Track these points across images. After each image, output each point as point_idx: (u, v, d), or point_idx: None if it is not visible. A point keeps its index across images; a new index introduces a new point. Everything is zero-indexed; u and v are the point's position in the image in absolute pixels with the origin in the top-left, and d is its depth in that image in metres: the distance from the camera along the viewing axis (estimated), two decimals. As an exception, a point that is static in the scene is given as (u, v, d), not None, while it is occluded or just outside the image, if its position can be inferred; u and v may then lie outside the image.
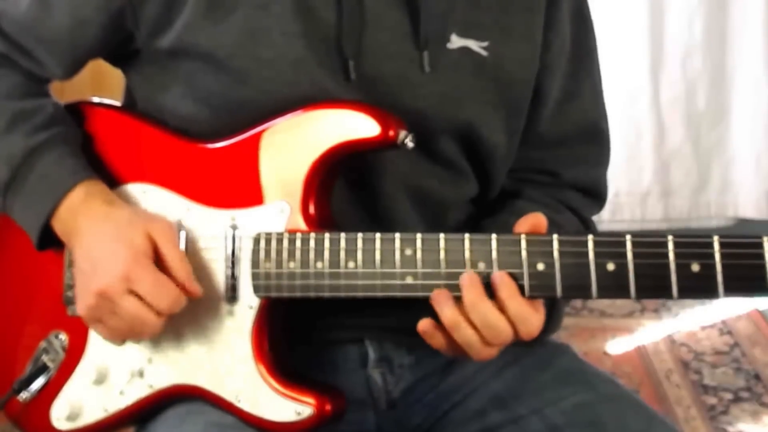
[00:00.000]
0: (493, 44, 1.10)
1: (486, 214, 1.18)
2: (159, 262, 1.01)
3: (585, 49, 1.19)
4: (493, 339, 0.95)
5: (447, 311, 0.95)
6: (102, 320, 1.02)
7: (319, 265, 1.00)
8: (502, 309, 0.95)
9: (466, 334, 0.95)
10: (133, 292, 0.99)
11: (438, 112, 1.08)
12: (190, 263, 1.03)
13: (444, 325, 0.96)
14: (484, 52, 1.09)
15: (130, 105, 1.17)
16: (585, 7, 1.19)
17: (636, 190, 3.38)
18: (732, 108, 3.34)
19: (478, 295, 0.95)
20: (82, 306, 1.03)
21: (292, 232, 1.02)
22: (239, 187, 1.05)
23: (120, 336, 1.04)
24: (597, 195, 1.23)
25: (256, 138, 1.05)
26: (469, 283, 0.95)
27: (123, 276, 0.99)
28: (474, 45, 1.09)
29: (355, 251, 0.99)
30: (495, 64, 1.10)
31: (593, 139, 1.21)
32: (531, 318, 0.95)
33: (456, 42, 1.08)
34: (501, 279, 0.95)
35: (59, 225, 1.07)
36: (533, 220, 0.97)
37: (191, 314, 1.05)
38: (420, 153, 1.08)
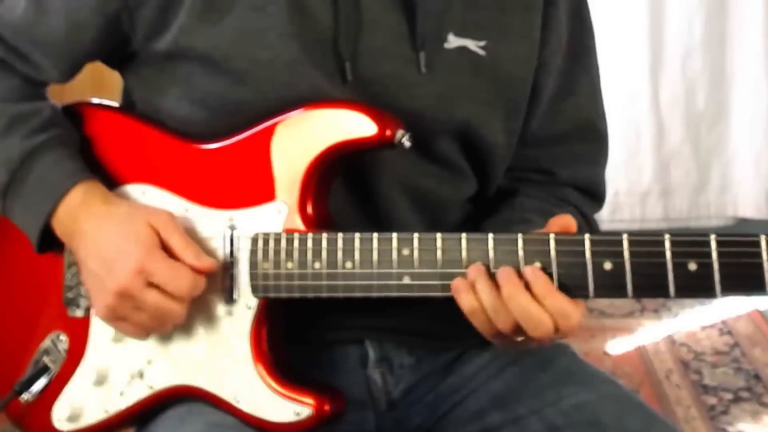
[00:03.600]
0: (491, 44, 1.09)
1: (485, 213, 1.18)
2: (166, 250, 1.01)
3: (582, 47, 1.19)
4: (533, 330, 0.93)
5: (465, 300, 0.94)
6: (125, 318, 1.02)
7: (317, 265, 1.00)
8: (539, 304, 0.93)
9: (505, 321, 0.93)
10: (152, 284, 1.00)
11: (435, 113, 1.08)
12: None
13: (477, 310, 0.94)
14: (481, 52, 1.09)
15: (128, 106, 1.17)
16: (583, 6, 1.19)
17: (636, 189, 3.38)
18: (732, 108, 3.35)
19: (515, 287, 0.93)
20: (101, 307, 1.03)
21: (289, 233, 1.02)
22: (234, 188, 1.05)
23: (146, 330, 1.03)
24: (595, 194, 1.23)
25: (268, 135, 1.04)
26: (507, 276, 0.93)
27: (138, 270, 0.99)
28: (471, 45, 1.09)
29: (353, 251, 0.99)
30: (493, 63, 1.10)
31: (589, 137, 1.21)
32: (570, 311, 0.93)
33: (453, 42, 1.08)
34: (533, 274, 0.93)
35: (59, 226, 1.07)
36: (562, 221, 0.96)
37: (190, 315, 1.05)
38: (418, 153, 1.08)
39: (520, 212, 1.12)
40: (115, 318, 1.03)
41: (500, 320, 0.94)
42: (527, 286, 0.93)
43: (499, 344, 0.99)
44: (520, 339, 0.96)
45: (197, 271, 1.01)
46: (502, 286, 0.93)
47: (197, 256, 1.01)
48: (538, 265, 0.94)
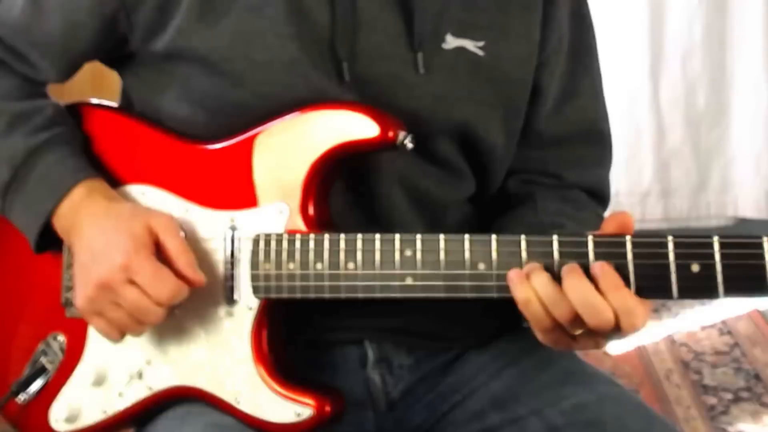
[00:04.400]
0: (490, 44, 1.09)
1: (491, 215, 1.18)
2: (160, 253, 1.01)
3: (583, 47, 1.19)
4: (592, 318, 0.90)
5: (519, 290, 0.92)
6: (101, 312, 1.02)
7: (319, 266, 0.99)
8: (603, 296, 0.91)
9: (563, 311, 0.91)
10: (133, 282, 0.99)
11: (433, 113, 1.08)
12: None
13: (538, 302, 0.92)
14: (480, 52, 1.09)
15: (126, 107, 1.17)
16: (584, 6, 1.19)
17: (636, 189, 3.38)
18: (732, 108, 3.35)
19: (578, 277, 0.91)
20: (81, 298, 1.02)
21: (291, 233, 1.01)
22: (235, 190, 1.05)
23: (119, 328, 1.02)
24: (600, 196, 1.23)
25: (250, 141, 1.05)
26: (570, 268, 0.92)
27: (123, 266, 0.99)
28: (470, 45, 1.09)
29: (355, 252, 0.98)
30: (491, 63, 1.09)
31: (593, 139, 1.21)
32: (635, 309, 0.91)
33: (451, 42, 1.08)
34: (602, 269, 0.91)
35: (60, 223, 1.07)
36: (621, 219, 0.95)
37: (190, 315, 1.05)
38: (417, 153, 1.07)
39: (548, 217, 1.12)
40: (92, 311, 1.02)
41: (557, 311, 0.91)
42: (593, 280, 0.91)
43: (552, 341, 0.96)
44: (578, 332, 0.93)
45: (186, 280, 1.00)
46: (563, 276, 0.91)
47: (190, 266, 1.01)
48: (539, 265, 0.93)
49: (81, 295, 1.02)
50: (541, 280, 0.92)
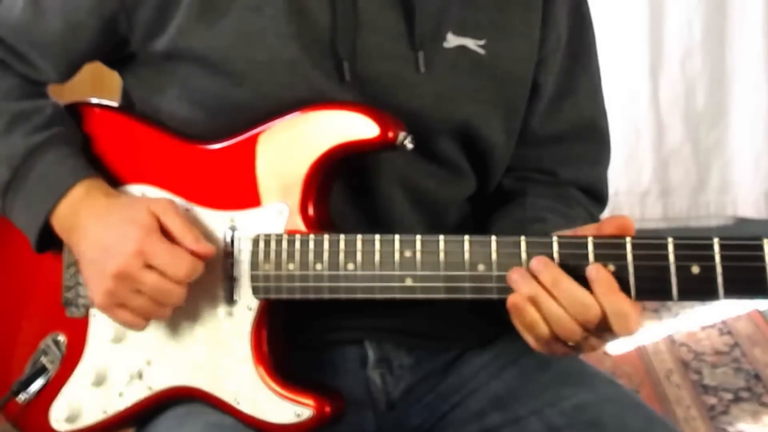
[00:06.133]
0: (491, 42, 1.09)
1: (486, 212, 1.18)
2: (166, 235, 1.01)
3: (582, 45, 1.19)
4: (579, 314, 0.90)
5: (525, 286, 0.92)
6: (123, 303, 1.01)
7: (318, 266, 0.99)
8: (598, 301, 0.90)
9: (550, 308, 0.91)
10: (150, 266, 0.99)
11: (434, 112, 1.08)
12: None
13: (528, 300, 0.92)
14: (481, 51, 1.09)
15: (127, 106, 1.17)
16: (583, 5, 1.19)
17: (635, 189, 3.38)
18: (731, 108, 3.35)
19: (557, 273, 0.91)
20: (100, 294, 1.02)
21: (291, 234, 1.01)
22: (237, 189, 1.05)
23: (144, 315, 1.02)
24: (597, 195, 1.23)
25: (253, 140, 1.05)
26: (543, 264, 0.91)
27: (137, 252, 0.99)
28: (471, 43, 1.09)
29: (354, 253, 0.98)
30: (492, 62, 1.09)
31: (590, 137, 1.21)
32: (630, 313, 0.90)
33: (452, 41, 1.08)
34: (597, 272, 0.91)
35: (59, 223, 1.07)
36: (620, 223, 0.95)
37: (190, 315, 1.05)
38: (417, 153, 1.07)
39: (532, 211, 1.12)
40: (113, 304, 1.02)
41: (544, 308, 0.91)
42: (588, 283, 0.91)
43: (547, 351, 0.96)
44: (571, 344, 0.94)
45: (196, 255, 1.00)
46: (541, 274, 0.91)
47: (196, 240, 1.01)
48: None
49: (99, 291, 1.02)
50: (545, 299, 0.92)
